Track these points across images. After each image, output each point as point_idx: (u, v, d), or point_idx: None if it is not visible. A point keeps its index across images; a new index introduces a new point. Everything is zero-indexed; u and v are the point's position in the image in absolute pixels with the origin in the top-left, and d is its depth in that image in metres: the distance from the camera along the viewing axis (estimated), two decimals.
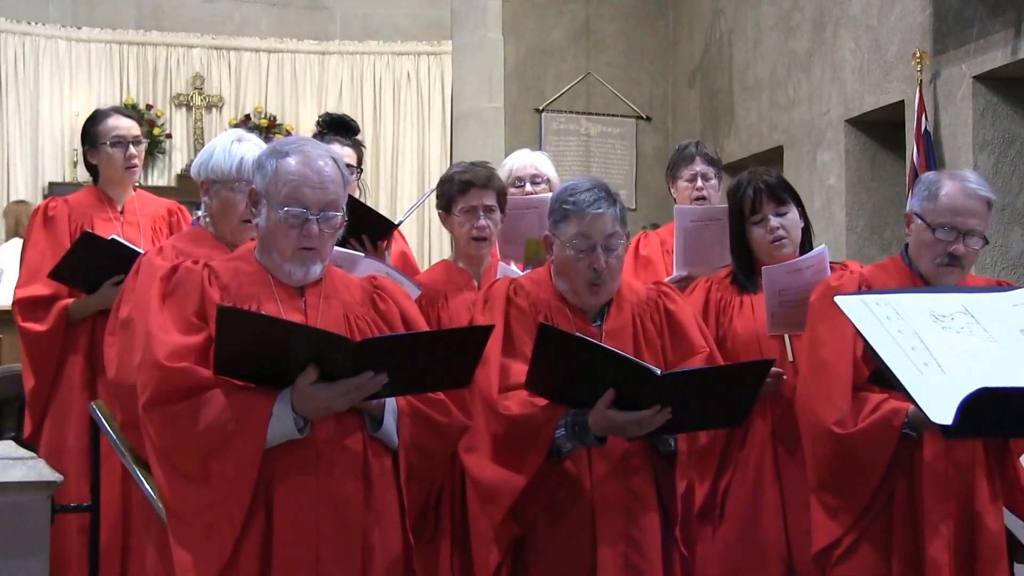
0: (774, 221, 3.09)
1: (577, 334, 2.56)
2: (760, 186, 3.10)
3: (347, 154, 3.61)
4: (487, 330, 2.41)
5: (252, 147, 2.99)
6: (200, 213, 3.09)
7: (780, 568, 2.98)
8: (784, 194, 3.11)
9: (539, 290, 2.75)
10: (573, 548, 2.60)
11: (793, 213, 3.12)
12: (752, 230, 3.11)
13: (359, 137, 3.86)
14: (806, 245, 3.16)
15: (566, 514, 2.61)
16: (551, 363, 2.50)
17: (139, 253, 3.16)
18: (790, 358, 3.03)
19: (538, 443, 2.57)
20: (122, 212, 3.84)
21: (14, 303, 3.70)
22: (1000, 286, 2.74)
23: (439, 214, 3.37)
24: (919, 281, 2.78)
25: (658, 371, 2.46)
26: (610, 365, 2.47)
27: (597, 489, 2.61)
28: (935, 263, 2.75)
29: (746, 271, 3.13)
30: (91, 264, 3.51)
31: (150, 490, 2.64)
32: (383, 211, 8.19)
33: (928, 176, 2.87)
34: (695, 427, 2.67)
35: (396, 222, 3.59)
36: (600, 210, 2.67)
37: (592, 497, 2.61)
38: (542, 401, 2.58)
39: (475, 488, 2.68)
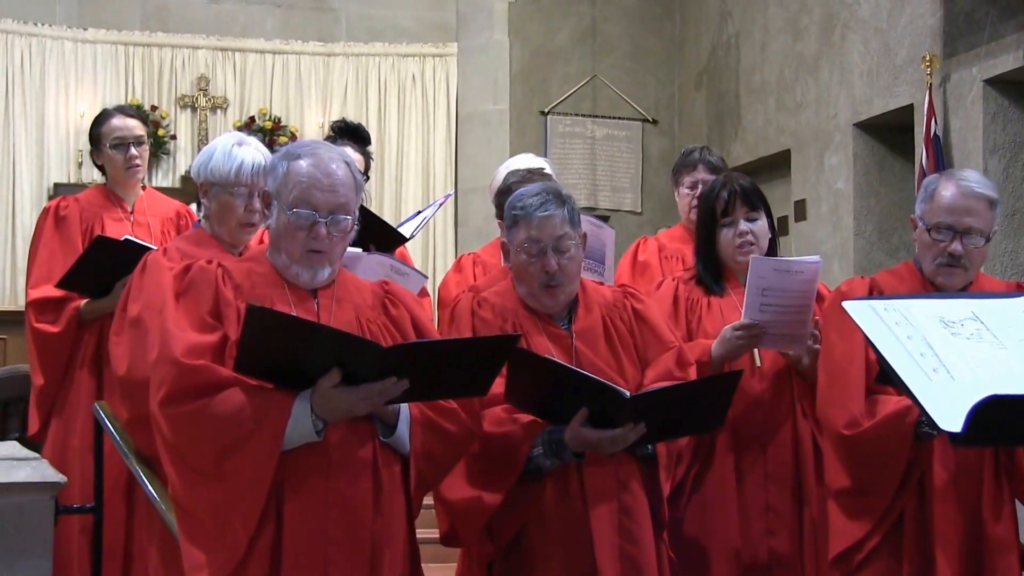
0: (744, 226, 3.10)
1: (546, 356, 2.57)
2: (735, 189, 3.11)
3: (356, 159, 3.62)
4: (514, 339, 2.41)
5: (252, 151, 2.99)
6: (200, 215, 3.10)
7: (729, 569, 2.97)
8: (757, 201, 3.13)
9: (504, 299, 2.76)
10: (569, 544, 2.60)
11: (763, 221, 3.13)
12: (721, 232, 3.12)
13: (370, 148, 3.90)
14: (772, 256, 3.15)
15: (559, 511, 2.61)
16: (525, 382, 2.52)
17: (151, 250, 3.16)
18: (757, 363, 3.04)
19: (514, 461, 2.58)
20: (131, 212, 3.85)
21: (28, 304, 3.72)
22: (1021, 289, 2.71)
23: (500, 223, 3.29)
24: (930, 286, 2.78)
25: (627, 393, 2.49)
26: (579, 386, 2.49)
27: (588, 482, 2.62)
28: (935, 264, 2.75)
29: (713, 274, 3.15)
30: (103, 268, 3.51)
31: (153, 492, 2.64)
32: (387, 212, 8.23)
33: (928, 178, 2.88)
34: (670, 436, 2.70)
35: (408, 236, 3.61)
36: (547, 212, 2.67)
37: (583, 490, 2.61)
38: (520, 418, 2.59)
39: (446, 508, 2.67)
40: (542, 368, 2.50)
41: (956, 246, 2.71)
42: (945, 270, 2.74)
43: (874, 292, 2.78)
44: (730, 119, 7.65)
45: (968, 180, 2.75)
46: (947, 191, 2.74)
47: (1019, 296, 2.57)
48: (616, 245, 3.63)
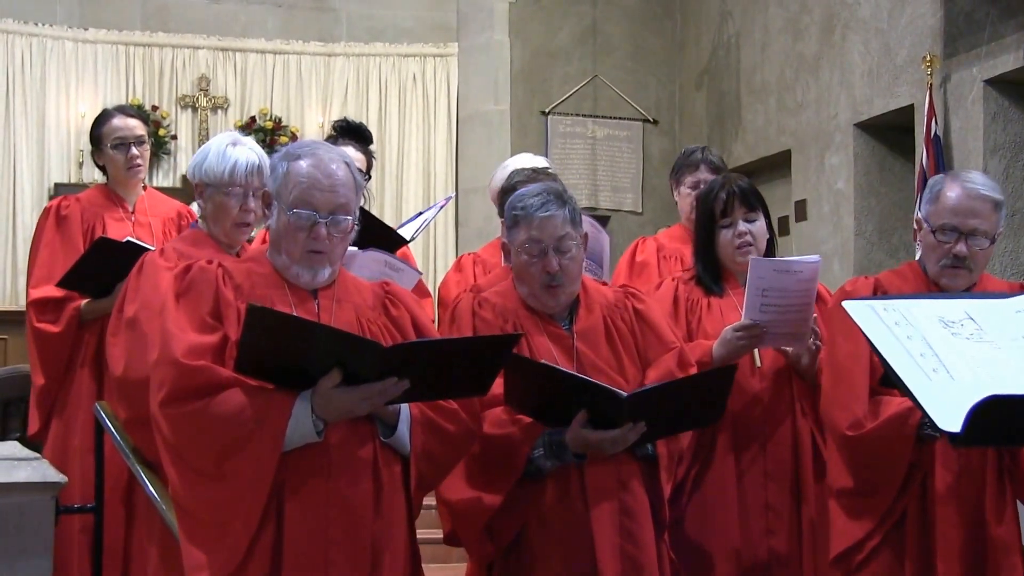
0: (742, 226, 3.10)
1: (543, 361, 2.57)
2: (734, 190, 3.12)
3: (358, 158, 3.63)
4: (514, 338, 2.42)
5: (246, 151, 3.00)
6: (197, 215, 3.12)
7: (729, 568, 2.97)
8: (755, 201, 3.14)
9: (505, 300, 2.76)
10: (570, 544, 2.60)
11: (761, 222, 3.14)
12: (720, 233, 3.13)
13: (371, 147, 3.90)
14: (770, 256, 3.15)
15: (559, 511, 2.61)
16: (522, 387, 2.53)
17: (151, 251, 3.17)
18: (758, 363, 3.04)
19: (514, 462, 2.58)
20: (132, 212, 3.85)
21: (28, 304, 3.73)
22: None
23: (503, 222, 3.24)
24: (934, 287, 2.77)
25: (624, 394, 2.49)
26: (577, 389, 2.50)
27: (588, 482, 2.62)
28: (939, 265, 2.74)
29: (712, 275, 3.15)
30: (104, 268, 3.52)
31: (153, 491, 2.64)
32: (387, 212, 8.23)
33: (933, 179, 2.87)
34: (671, 432, 2.71)
35: (408, 238, 3.61)
36: (548, 212, 2.66)
37: (584, 491, 2.61)
38: (521, 420, 2.59)
39: (447, 509, 2.68)
40: (539, 373, 2.50)
41: (961, 248, 2.71)
42: (950, 272, 2.73)
43: (878, 292, 2.77)
44: (731, 119, 7.65)
45: (973, 182, 2.75)
46: (952, 192, 2.73)
47: (1010, 296, 2.56)
48: (616, 246, 3.63)
